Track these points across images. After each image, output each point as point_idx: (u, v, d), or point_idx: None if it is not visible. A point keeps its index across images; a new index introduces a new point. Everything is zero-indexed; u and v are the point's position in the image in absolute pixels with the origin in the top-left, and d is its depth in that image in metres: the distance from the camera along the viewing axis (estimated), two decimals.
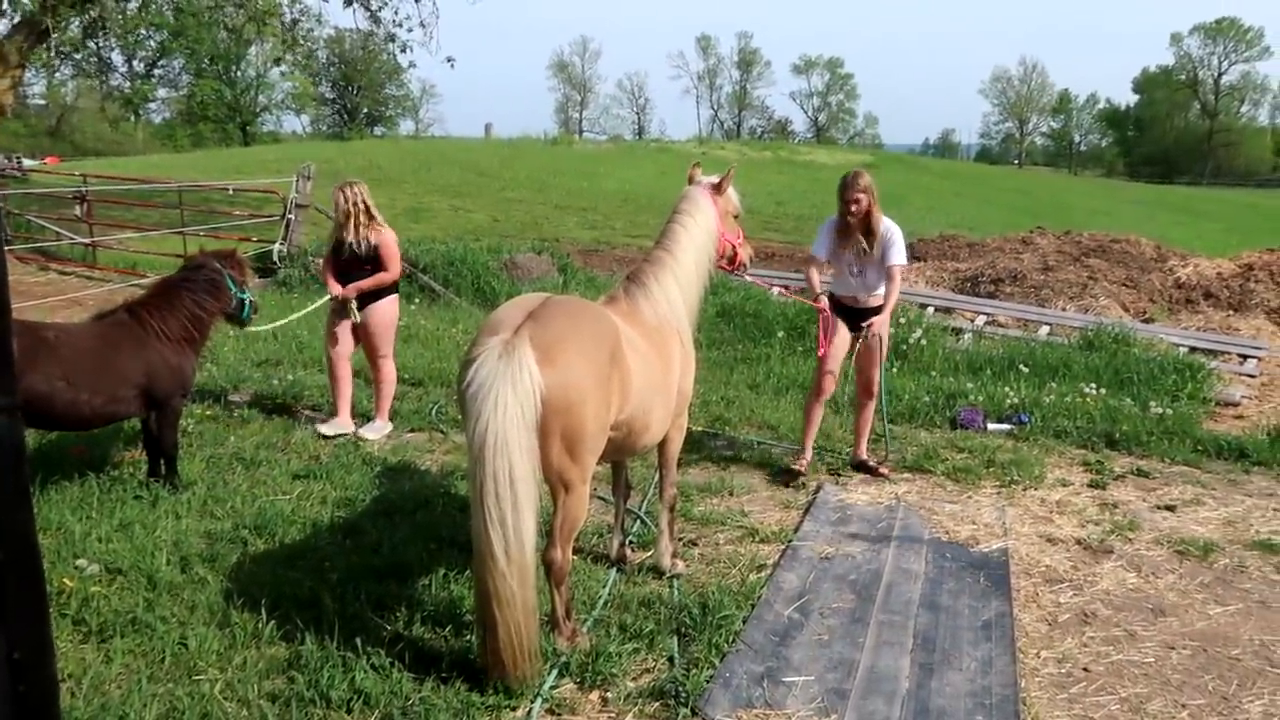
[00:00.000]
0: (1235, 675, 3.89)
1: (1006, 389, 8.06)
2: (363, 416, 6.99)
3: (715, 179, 4.67)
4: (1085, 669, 3.88)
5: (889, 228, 5.95)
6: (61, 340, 4.95)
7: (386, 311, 6.87)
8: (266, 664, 3.56)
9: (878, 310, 6.02)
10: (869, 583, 4.55)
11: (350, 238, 6.67)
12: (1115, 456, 6.89)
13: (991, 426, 7.40)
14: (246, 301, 5.90)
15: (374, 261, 6.72)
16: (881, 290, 6.04)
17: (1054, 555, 5.04)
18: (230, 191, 15.74)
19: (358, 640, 3.70)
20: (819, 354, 6.05)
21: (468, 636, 3.72)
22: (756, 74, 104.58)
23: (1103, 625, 4.29)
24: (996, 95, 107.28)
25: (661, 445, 4.41)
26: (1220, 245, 23.29)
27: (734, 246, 4.76)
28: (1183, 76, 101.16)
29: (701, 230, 4.45)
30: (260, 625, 3.75)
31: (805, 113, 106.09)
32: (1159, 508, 5.84)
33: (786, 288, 6.70)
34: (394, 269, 6.83)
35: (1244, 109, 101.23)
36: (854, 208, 5.85)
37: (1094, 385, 8.19)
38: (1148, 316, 11.72)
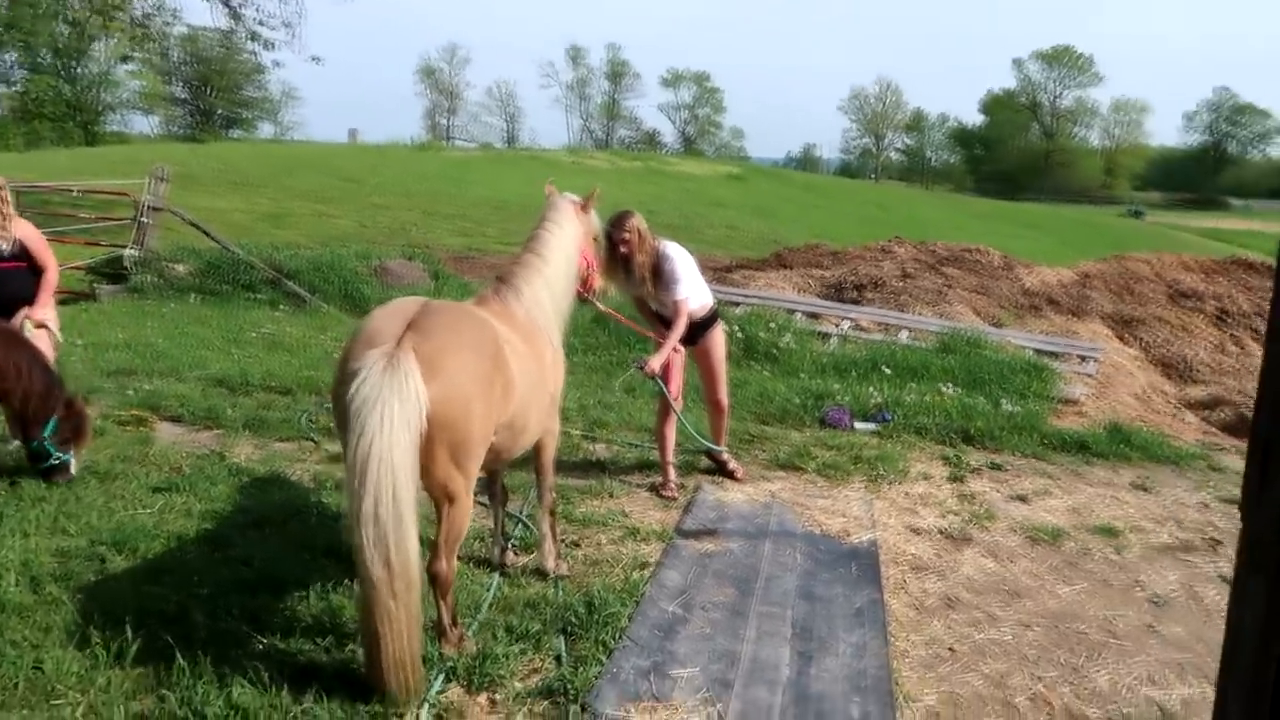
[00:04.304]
0: (1084, 648, 4.19)
1: (871, 389, 8.41)
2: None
3: (579, 198, 4.70)
4: (951, 649, 4.10)
5: (667, 259, 5.83)
6: None
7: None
8: (133, 684, 3.37)
9: (706, 322, 6.07)
10: (748, 576, 4.68)
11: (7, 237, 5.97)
12: (971, 451, 7.29)
13: (858, 425, 7.71)
14: (54, 456, 5.45)
15: (23, 258, 6.04)
16: (706, 302, 6.07)
17: (919, 545, 5.31)
18: (76, 193, 14.79)
19: (232, 655, 3.56)
20: (669, 392, 5.96)
21: (350, 646, 3.63)
22: (626, 85, 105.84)
23: (965, 608, 4.54)
24: (855, 112, 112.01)
25: (537, 450, 4.41)
26: (1057, 256, 24.96)
27: (590, 269, 4.79)
28: (1024, 100, 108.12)
29: (569, 240, 4.48)
30: (124, 645, 3.55)
31: (674, 125, 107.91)
32: (1012, 498, 6.23)
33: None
34: (54, 265, 6.17)
35: (1077, 131, 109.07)
36: (623, 249, 5.70)
37: (951, 385, 8.66)
38: (997, 321, 12.44)
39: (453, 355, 3.32)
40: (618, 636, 3.88)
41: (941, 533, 5.50)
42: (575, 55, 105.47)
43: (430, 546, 3.50)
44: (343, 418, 3.19)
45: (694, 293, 5.91)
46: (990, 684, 3.82)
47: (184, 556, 4.50)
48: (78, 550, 4.52)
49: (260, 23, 15.37)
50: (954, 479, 6.54)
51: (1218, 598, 4.87)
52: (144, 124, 71.62)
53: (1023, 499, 6.22)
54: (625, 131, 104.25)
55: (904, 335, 10.89)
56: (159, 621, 3.79)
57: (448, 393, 3.23)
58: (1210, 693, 3.87)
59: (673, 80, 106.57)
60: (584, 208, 4.64)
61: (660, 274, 5.84)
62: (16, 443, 6.17)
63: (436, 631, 3.65)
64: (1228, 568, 5.26)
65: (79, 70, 63.97)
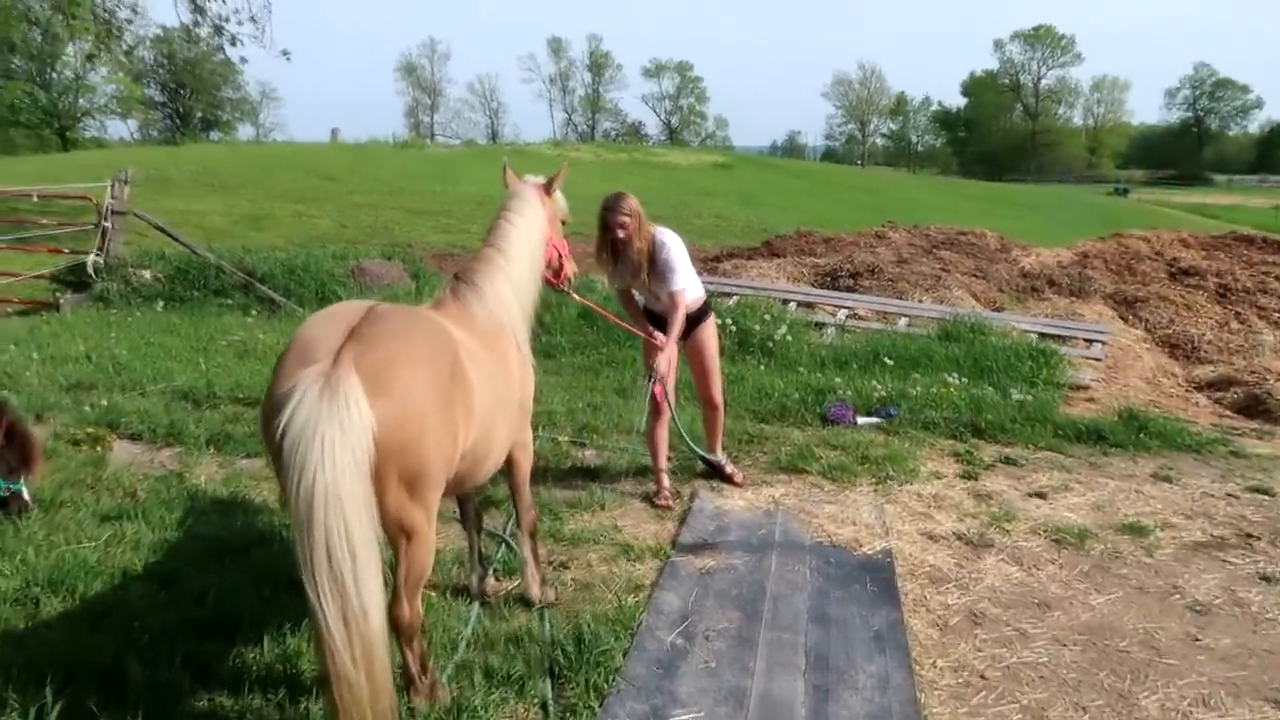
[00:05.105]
0: (1127, 669, 3.78)
1: (874, 382, 8.00)
2: None
3: (543, 179, 4.24)
4: (982, 676, 3.69)
5: (663, 247, 5.38)
6: None
7: None
8: None
9: (699, 315, 5.61)
10: (754, 597, 4.26)
11: None
12: (983, 445, 6.89)
13: (861, 421, 7.30)
14: (2, 488, 4.97)
15: None
16: (699, 295, 5.63)
17: (937, 553, 4.89)
18: (35, 198, 14.24)
19: (171, 714, 3.13)
20: (654, 391, 5.49)
21: (304, 703, 3.20)
22: (608, 77, 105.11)
23: (993, 625, 4.13)
24: (839, 98, 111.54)
25: (510, 470, 3.96)
26: (1049, 236, 24.59)
27: (560, 257, 4.34)
28: (1006, 81, 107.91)
29: (533, 229, 4.01)
30: (47, 707, 3.11)
31: (658, 115, 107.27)
32: (1031, 495, 5.82)
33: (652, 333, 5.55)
34: None
35: (1060, 111, 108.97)
36: (621, 233, 5.28)
37: (956, 374, 8.25)
38: (998, 305, 12.04)
39: (402, 368, 2.84)
40: (611, 678, 3.45)
41: (960, 538, 5.09)
42: (556, 47, 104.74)
43: (391, 588, 3.05)
44: (277, 451, 2.69)
45: (690, 283, 5.48)
46: (1030, 717, 3.41)
47: (128, 596, 4.05)
48: (10, 593, 4.07)
49: (225, 17, 14.83)
50: (967, 477, 6.13)
51: (1263, 601, 4.48)
52: (122, 129, 70.72)
53: (1041, 496, 5.82)
54: (609, 124, 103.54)
55: (903, 323, 10.48)
56: (90, 676, 3.35)
57: (398, 414, 2.76)
58: (1273, 715, 3.48)
59: (655, 71, 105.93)
60: (548, 190, 4.18)
61: (655, 262, 5.38)
62: None
63: (404, 680, 3.22)
64: (1268, 566, 4.87)
65: (53, 76, 63.05)
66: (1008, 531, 5.21)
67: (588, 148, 54.57)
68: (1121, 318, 12.41)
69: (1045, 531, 5.21)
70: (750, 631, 3.93)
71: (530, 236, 3.99)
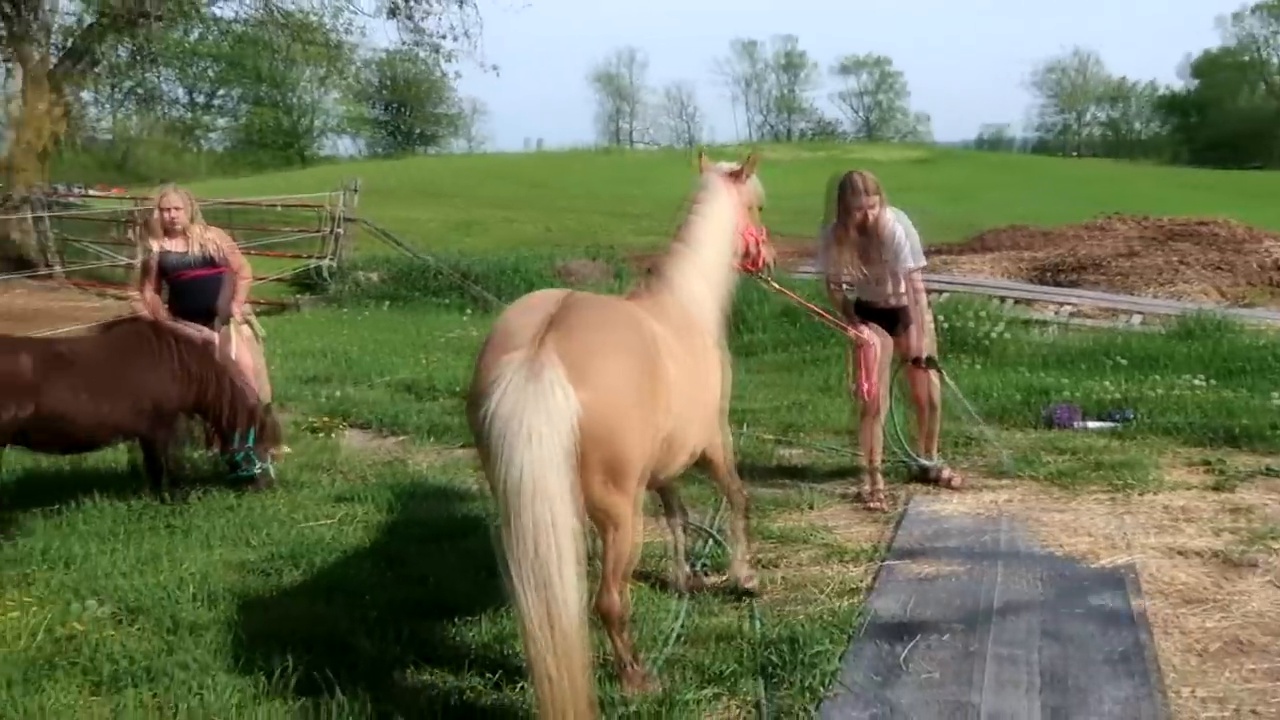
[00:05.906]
0: None
1: (1104, 383, 7.37)
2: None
3: (734, 166, 4.14)
4: (1254, 711, 3.25)
5: (896, 227, 5.18)
6: (77, 353, 4.85)
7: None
8: (292, 719, 3.12)
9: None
10: (979, 608, 3.97)
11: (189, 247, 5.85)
12: (1237, 454, 6.16)
13: (1091, 425, 6.73)
14: (254, 462, 5.51)
15: (219, 264, 5.97)
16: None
17: (1188, 570, 4.39)
18: (278, 208, 15.64)
19: (395, 688, 3.26)
20: (861, 391, 5.30)
21: (520, 684, 3.24)
22: (802, 76, 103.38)
23: (1261, 655, 3.64)
24: (1050, 87, 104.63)
25: (710, 465, 3.88)
26: None
27: (756, 243, 4.21)
28: (1245, 58, 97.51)
29: (720, 217, 3.94)
30: (287, 672, 3.31)
31: (855, 112, 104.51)
32: None
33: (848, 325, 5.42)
34: (246, 266, 6.25)
35: None
36: (870, 214, 5.08)
37: (1201, 376, 7.46)
38: (1246, 301, 10.86)
39: (604, 358, 2.85)
40: (827, 682, 3.29)
41: (1215, 555, 4.55)
42: (749, 51, 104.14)
43: (601, 578, 3.04)
44: (482, 440, 2.75)
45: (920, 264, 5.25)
46: None
47: (357, 573, 4.29)
48: (256, 564, 4.42)
49: (441, 35, 15.78)
50: (1219, 488, 5.49)
51: None
52: (350, 146, 76.63)
53: None
54: (804, 124, 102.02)
55: (1135, 320, 9.64)
56: (324, 647, 3.54)
57: (601, 402, 2.75)
58: None
59: (850, 67, 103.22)
60: (738, 177, 4.08)
61: (888, 243, 5.18)
62: (213, 450, 6.29)
63: (616, 668, 3.20)
64: None
65: (292, 100, 69.19)
66: (1273, 551, 4.61)
67: (783, 147, 54.15)
68: None
69: None
70: (976, 644, 3.65)
71: (717, 226, 3.92)
